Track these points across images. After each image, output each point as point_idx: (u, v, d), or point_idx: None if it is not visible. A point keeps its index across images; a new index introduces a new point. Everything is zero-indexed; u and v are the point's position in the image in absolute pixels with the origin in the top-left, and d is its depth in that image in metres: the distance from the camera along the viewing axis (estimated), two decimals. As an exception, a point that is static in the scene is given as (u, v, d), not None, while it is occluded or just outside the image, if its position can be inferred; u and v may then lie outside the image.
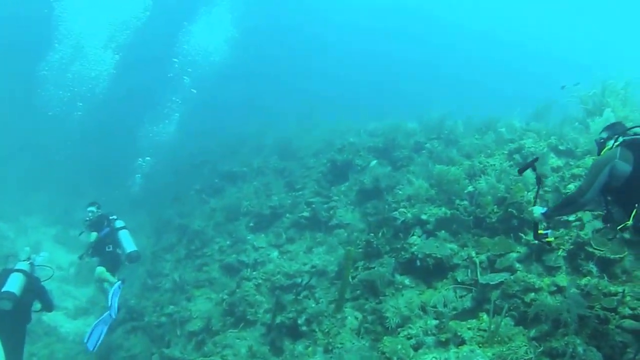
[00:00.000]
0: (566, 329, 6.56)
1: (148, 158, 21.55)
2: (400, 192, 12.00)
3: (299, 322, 10.05)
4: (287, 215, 14.63)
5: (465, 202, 10.31)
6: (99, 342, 10.58)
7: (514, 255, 8.63)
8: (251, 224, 14.95)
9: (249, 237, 14.35)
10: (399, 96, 39.60)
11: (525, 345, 6.63)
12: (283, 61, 53.54)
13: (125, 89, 34.03)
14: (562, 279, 7.70)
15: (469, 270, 8.99)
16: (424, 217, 10.49)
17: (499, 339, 6.99)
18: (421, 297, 9.08)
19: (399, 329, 8.39)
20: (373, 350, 8.25)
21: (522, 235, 8.74)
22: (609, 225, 5.73)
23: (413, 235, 10.32)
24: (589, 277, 7.31)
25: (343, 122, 21.24)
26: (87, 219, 11.76)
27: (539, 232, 5.94)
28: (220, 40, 27.53)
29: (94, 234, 11.50)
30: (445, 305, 8.40)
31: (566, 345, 6.29)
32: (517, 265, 8.41)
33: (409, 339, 8.06)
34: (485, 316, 7.76)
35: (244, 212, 15.51)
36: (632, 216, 5.12)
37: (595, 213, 7.88)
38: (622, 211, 5.37)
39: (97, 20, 23.01)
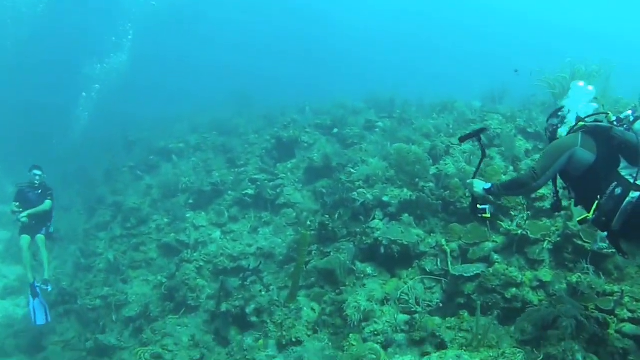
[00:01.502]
0: (561, 332, 5.87)
1: (97, 86, 20.30)
2: (354, 172, 11.17)
3: (247, 311, 9.27)
4: (230, 192, 13.65)
5: (431, 184, 9.56)
6: (47, 313, 10.85)
7: (490, 245, 7.95)
8: (190, 201, 13.92)
9: (188, 215, 13.29)
10: (342, 73, 39.02)
11: (521, 352, 5.89)
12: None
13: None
14: (545, 274, 7.09)
15: (439, 260, 8.30)
16: (385, 199, 9.66)
17: (487, 342, 6.25)
18: (385, 287, 8.32)
19: (363, 324, 7.57)
20: (337, 350, 7.42)
21: (500, 223, 8.08)
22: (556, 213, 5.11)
23: (374, 218, 9.50)
24: (579, 274, 6.67)
25: (283, 99, 20.49)
26: (36, 182, 11.45)
27: (477, 206, 5.27)
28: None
29: (49, 202, 11.37)
30: (416, 300, 7.64)
31: (564, 353, 5.62)
32: (496, 256, 7.73)
33: (375, 335, 7.28)
34: (466, 315, 7.06)
35: (183, 188, 14.49)
36: (592, 210, 4.56)
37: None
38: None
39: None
